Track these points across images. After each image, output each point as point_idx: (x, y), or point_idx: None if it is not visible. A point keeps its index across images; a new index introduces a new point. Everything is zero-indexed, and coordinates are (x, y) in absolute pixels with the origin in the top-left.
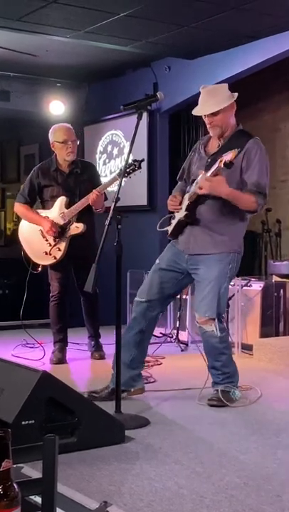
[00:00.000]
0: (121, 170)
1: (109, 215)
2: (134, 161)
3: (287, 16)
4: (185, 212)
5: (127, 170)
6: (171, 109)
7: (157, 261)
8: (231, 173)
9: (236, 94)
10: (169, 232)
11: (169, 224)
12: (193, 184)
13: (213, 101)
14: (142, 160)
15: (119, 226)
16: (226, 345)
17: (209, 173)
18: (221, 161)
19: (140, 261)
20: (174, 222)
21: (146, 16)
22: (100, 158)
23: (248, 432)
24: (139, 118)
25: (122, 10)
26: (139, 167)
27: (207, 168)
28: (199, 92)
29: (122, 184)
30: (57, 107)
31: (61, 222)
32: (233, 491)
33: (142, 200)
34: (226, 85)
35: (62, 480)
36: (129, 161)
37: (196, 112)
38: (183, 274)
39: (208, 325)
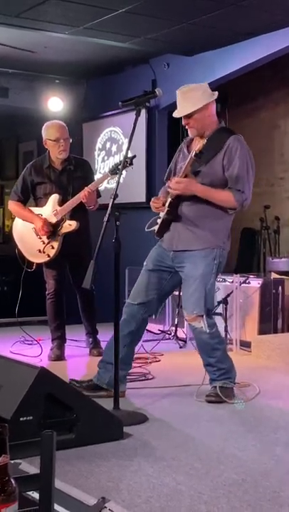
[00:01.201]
0: (113, 167)
1: (108, 211)
2: (126, 157)
3: (285, 13)
4: (167, 209)
5: (119, 167)
6: (170, 106)
7: (145, 263)
8: (213, 171)
9: (216, 93)
10: (156, 231)
11: (156, 224)
12: None
13: (187, 103)
14: (134, 156)
15: (117, 223)
16: (218, 340)
17: (182, 170)
18: (190, 152)
19: (138, 258)
20: (159, 221)
21: (145, 13)
22: (98, 155)
23: (245, 429)
24: (138, 115)
25: (121, 6)
26: (131, 163)
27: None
28: None
29: (120, 181)
30: (55, 103)
31: (54, 219)
32: (231, 488)
33: (141, 197)
34: (203, 85)
35: (60, 476)
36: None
37: (174, 114)
38: (171, 273)
39: (197, 322)
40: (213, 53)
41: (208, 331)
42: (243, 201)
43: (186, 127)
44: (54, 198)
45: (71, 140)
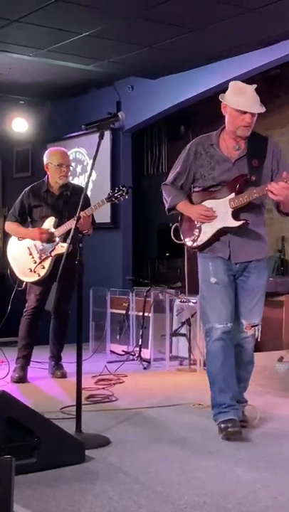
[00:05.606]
0: (109, 194)
1: (71, 233)
2: (123, 186)
3: (247, 39)
4: (242, 221)
5: (115, 195)
6: (134, 128)
7: (214, 278)
8: (264, 177)
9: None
10: (204, 242)
11: (193, 234)
12: (245, 191)
13: (259, 102)
14: (131, 187)
15: (80, 245)
16: (253, 355)
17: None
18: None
19: (103, 278)
20: (208, 230)
21: (109, 36)
22: None
23: (207, 450)
24: (101, 137)
25: (85, 30)
26: (127, 192)
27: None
28: (161, 112)
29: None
30: (20, 124)
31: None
32: (192, 510)
33: (105, 217)
34: None
35: (21, 501)
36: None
37: (247, 108)
38: (235, 279)
39: (252, 330)
40: (177, 76)
41: (259, 339)
42: None
43: (245, 125)
44: (50, 220)
45: (71, 168)
